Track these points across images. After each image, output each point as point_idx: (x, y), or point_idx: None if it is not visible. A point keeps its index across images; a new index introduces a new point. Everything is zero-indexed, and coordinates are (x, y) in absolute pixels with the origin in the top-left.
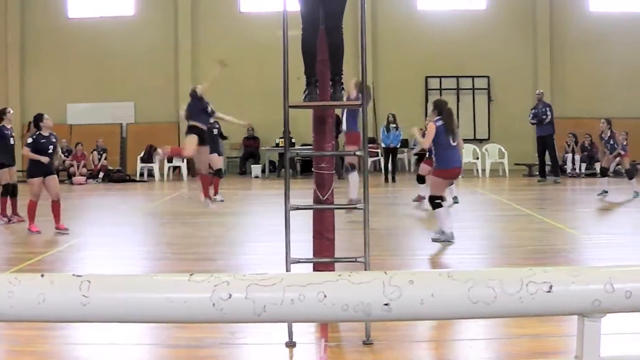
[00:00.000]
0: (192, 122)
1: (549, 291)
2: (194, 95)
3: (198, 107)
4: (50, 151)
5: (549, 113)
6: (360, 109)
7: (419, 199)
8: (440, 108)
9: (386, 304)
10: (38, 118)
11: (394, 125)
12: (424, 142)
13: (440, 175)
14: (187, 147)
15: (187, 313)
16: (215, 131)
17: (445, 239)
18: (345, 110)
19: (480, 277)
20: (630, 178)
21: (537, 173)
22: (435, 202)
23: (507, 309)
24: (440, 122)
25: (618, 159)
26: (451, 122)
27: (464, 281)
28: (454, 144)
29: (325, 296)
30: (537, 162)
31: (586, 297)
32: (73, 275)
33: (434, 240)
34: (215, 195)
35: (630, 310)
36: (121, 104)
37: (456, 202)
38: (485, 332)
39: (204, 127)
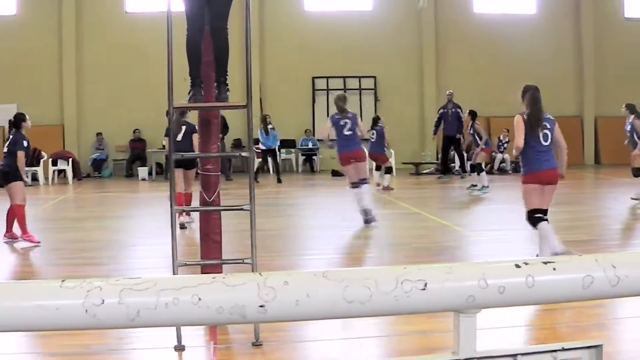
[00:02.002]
0: None
1: (424, 289)
2: None
3: None
4: None
5: (462, 114)
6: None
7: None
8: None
9: (261, 306)
10: None
11: (271, 127)
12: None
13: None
14: None
15: (60, 320)
16: None
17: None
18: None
19: (356, 276)
20: (477, 173)
21: (425, 172)
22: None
23: (383, 308)
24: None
25: (494, 153)
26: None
27: (339, 281)
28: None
29: (199, 299)
30: (424, 161)
31: (461, 293)
32: None
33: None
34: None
35: (503, 305)
36: (3, 106)
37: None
38: (375, 330)
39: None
